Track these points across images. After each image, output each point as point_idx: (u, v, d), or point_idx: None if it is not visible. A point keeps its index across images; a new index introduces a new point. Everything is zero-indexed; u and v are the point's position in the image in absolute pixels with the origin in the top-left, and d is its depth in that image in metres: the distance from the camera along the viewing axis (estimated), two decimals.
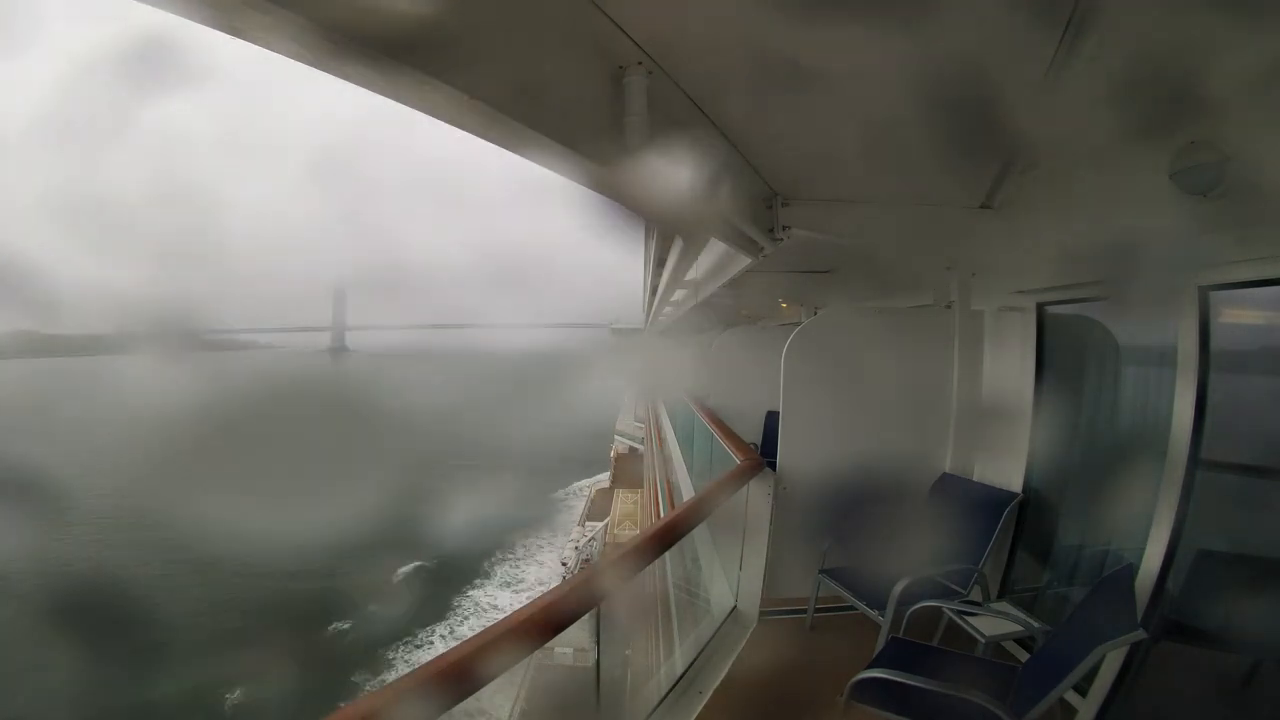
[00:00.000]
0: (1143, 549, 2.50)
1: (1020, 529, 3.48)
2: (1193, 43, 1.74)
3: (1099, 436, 3.28)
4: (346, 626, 21.51)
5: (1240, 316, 2.53)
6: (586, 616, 1.71)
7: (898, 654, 2.54)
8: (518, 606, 1.56)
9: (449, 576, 25.31)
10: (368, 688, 17.61)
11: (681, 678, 2.87)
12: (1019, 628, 2.77)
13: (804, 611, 3.57)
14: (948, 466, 3.75)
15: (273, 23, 1.05)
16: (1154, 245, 2.37)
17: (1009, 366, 3.56)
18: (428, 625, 22.31)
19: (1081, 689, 2.43)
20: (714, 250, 4.91)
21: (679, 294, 8.58)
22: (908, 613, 2.86)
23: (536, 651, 1.38)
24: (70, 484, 32.46)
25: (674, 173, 1.82)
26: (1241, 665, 2.29)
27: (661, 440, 10.27)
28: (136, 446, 37.37)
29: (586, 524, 25.62)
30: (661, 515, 8.14)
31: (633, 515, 21.62)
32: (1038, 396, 3.42)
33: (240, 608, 21.85)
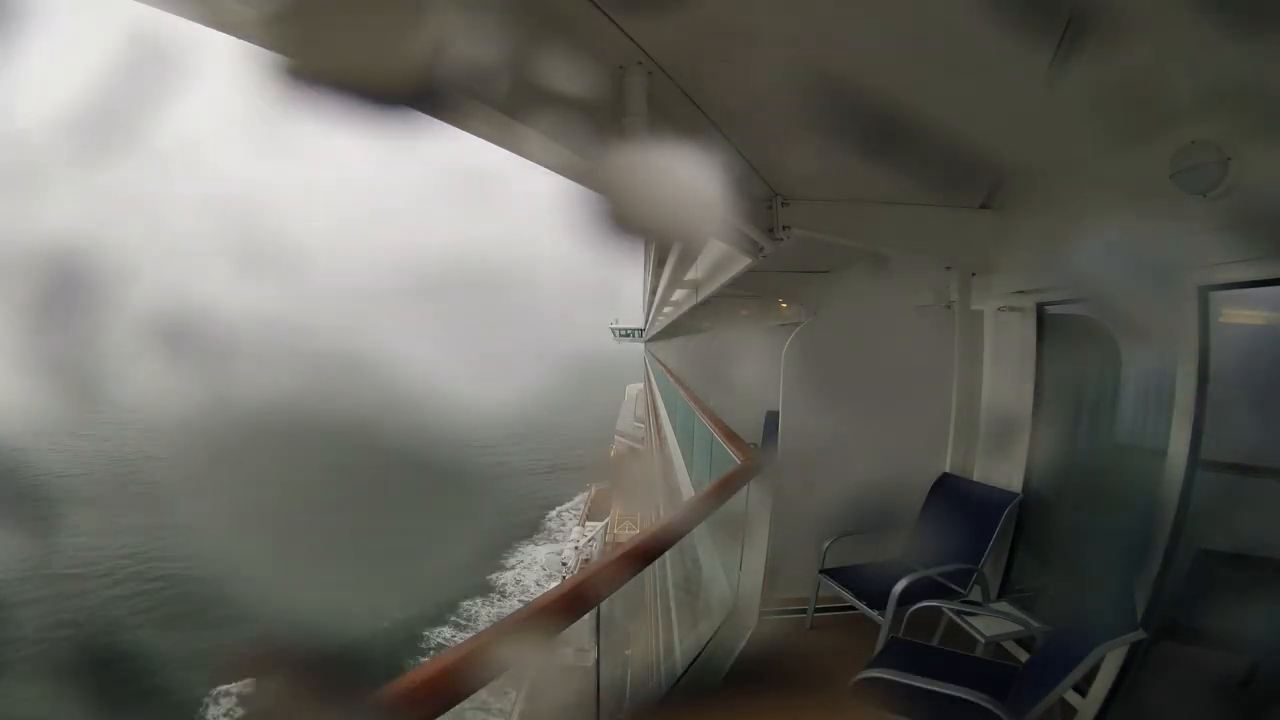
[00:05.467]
0: (1143, 549, 2.50)
1: (1020, 529, 3.47)
2: (1191, 43, 1.74)
3: (1099, 436, 3.27)
4: None
5: (1240, 317, 2.53)
6: (587, 616, 1.71)
7: (898, 654, 2.54)
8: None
9: None
10: None
11: (682, 678, 2.87)
12: (1019, 628, 2.76)
13: (804, 611, 3.56)
14: (948, 466, 3.75)
15: (263, 21, 1.05)
16: (1154, 245, 2.37)
17: (1009, 366, 3.55)
18: None
19: (1081, 689, 2.43)
20: (714, 250, 4.92)
21: (679, 294, 8.60)
22: (908, 613, 2.86)
23: (536, 652, 1.38)
24: None
25: (674, 173, 1.81)
26: (1241, 665, 2.29)
27: (662, 441, 10.27)
28: None
29: (587, 524, 25.60)
30: (661, 515, 8.14)
31: (633, 515, 21.61)
32: (1037, 396, 3.41)
33: None
